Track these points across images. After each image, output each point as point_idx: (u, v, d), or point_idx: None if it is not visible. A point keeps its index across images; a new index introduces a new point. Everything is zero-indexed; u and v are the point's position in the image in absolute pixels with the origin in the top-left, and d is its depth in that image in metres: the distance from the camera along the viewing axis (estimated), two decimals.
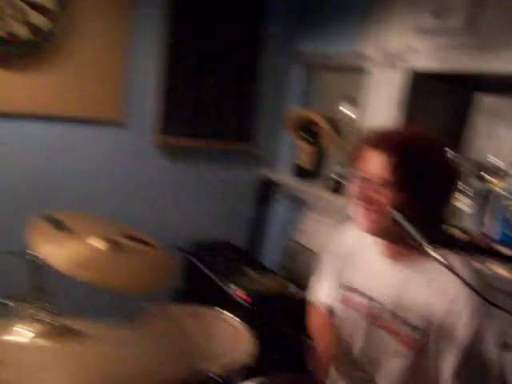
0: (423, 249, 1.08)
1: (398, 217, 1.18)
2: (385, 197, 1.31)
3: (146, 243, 1.83)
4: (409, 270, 1.40)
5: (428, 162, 1.29)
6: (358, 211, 1.39)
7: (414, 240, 1.12)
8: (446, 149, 2.20)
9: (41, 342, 1.21)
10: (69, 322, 1.28)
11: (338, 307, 1.59)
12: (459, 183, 2.27)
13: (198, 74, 2.94)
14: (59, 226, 1.75)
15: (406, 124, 1.45)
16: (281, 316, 1.82)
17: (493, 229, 2.18)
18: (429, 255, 1.07)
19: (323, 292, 1.74)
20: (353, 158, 1.43)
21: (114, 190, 2.91)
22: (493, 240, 2.12)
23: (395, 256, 1.44)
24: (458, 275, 1.04)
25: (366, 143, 1.39)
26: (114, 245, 1.73)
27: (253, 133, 3.21)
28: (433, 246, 1.08)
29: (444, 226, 1.50)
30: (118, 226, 1.87)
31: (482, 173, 2.22)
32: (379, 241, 1.46)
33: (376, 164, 1.33)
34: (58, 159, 2.75)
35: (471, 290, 1.08)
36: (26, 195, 2.67)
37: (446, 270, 1.05)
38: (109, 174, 2.89)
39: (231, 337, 1.95)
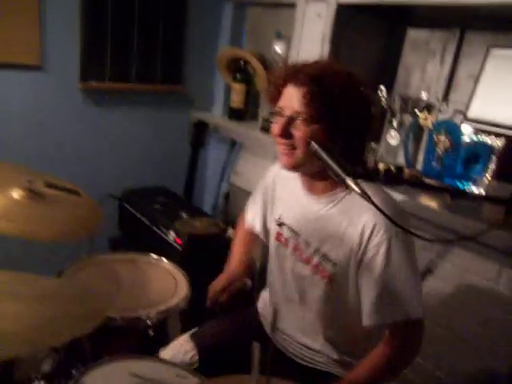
0: (342, 181, 1.07)
1: (317, 149, 1.17)
2: (300, 130, 1.31)
3: (70, 191, 1.76)
4: (329, 204, 1.41)
5: (340, 93, 1.27)
6: (278, 148, 1.38)
7: (333, 172, 1.11)
8: (380, 85, 2.25)
9: None
10: None
11: (274, 243, 1.61)
12: (391, 119, 2.30)
13: (124, 16, 2.78)
14: None
15: (331, 59, 1.43)
16: (214, 256, 1.81)
17: (421, 162, 2.24)
18: (348, 188, 1.06)
19: (252, 214, 1.77)
20: (270, 95, 1.41)
21: (39, 138, 2.77)
22: (420, 173, 2.18)
23: (316, 191, 1.44)
24: (376, 206, 1.04)
25: (279, 79, 1.37)
26: (36, 195, 1.65)
27: (184, 75, 3.11)
28: (353, 179, 1.07)
29: (367, 160, 1.50)
30: (40, 175, 1.79)
31: (413, 108, 2.25)
32: (300, 176, 1.47)
33: (290, 98, 1.32)
34: None
35: (388, 220, 1.08)
36: None
37: (364, 203, 1.05)
38: (32, 122, 2.73)
39: (167, 282, 1.93)
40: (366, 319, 1.36)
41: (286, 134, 1.32)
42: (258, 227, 1.74)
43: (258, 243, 1.81)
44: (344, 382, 1.40)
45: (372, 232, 1.31)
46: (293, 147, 1.33)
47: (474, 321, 1.88)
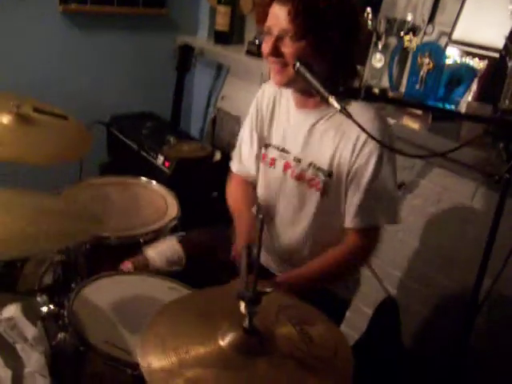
0: (324, 99, 1.12)
1: (302, 68, 1.20)
2: (288, 47, 1.35)
3: (57, 116, 1.78)
4: (322, 118, 1.47)
5: (325, 8, 1.30)
6: (269, 67, 1.43)
7: (316, 90, 1.15)
8: (367, 8, 2.22)
9: None
10: None
11: (261, 167, 1.66)
12: (377, 41, 2.29)
13: None
14: None
15: None
16: (202, 179, 1.87)
17: (405, 85, 2.26)
18: (329, 105, 1.11)
19: (242, 157, 1.77)
20: (258, 16, 1.44)
21: (21, 65, 2.73)
22: (404, 95, 2.22)
23: (306, 106, 1.50)
24: (357, 123, 1.09)
25: None
26: (25, 119, 1.68)
27: None
28: (339, 97, 1.12)
29: (353, 81, 1.54)
30: (27, 100, 1.80)
31: (398, 30, 2.25)
32: (292, 93, 1.51)
33: (276, 17, 1.35)
34: None
35: (370, 137, 1.15)
36: None
37: (357, 117, 1.11)
38: (12, 47, 2.68)
39: (158, 203, 2.00)
40: (351, 221, 1.47)
41: (275, 52, 1.37)
42: (252, 165, 1.72)
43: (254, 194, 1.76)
44: (294, 274, 1.52)
45: (365, 142, 1.39)
46: (284, 64, 1.37)
47: (450, 236, 1.99)
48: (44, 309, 1.28)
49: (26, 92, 1.93)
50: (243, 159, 1.76)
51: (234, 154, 1.79)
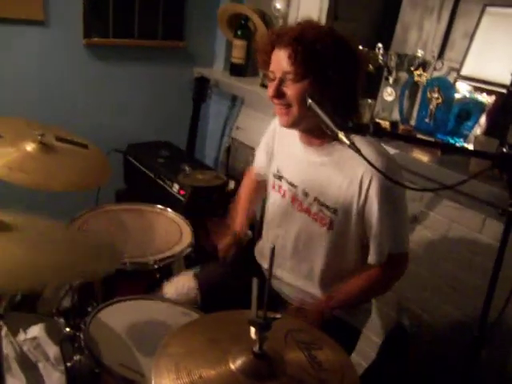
0: (334, 134, 1.17)
1: (311, 103, 1.26)
2: (290, 89, 1.42)
3: (79, 145, 1.85)
4: (327, 155, 1.52)
5: (322, 47, 1.36)
6: (276, 109, 1.50)
7: (326, 126, 1.20)
8: (378, 44, 2.29)
9: None
10: None
11: (272, 194, 1.72)
12: (388, 76, 2.36)
13: None
14: None
15: (311, 19, 1.51)
16: (216, 208, 1.92)
17: (415, 118, 2.31)
18: (340, 141, 1.16)
19: (258, 163, 1.89)
20: (261, 61, 1.52)
21: (43, 94, 2.83)
22: (413, 128, 2.27)
23: (312, 143, 1.55)
24: (364, 158, 1.14)
25: (267, 45, 1.47)
26: (47, 147, 1.74)
27: (185, 31, 3.15)
28: (347, 133, 1.17)
29: (361, 115, 1.59)
30: (50, 129, 1.87)
31: (409, 65, 2.31)
32: (299, 132, 1.57)
33: (278, 61, 1.43)
34: None
35: (378, 171, 1.21)
36: None
37: (356, 154, 1.15)
38: (37, 78, 2.79)
39: (172, 230, 2.05)
40: (373, 258, 1.52)
41: (279, 94, 1.44)
42: (264, 171, 1.84)
43: (262, 193, 1.91)
44: (334, 298, 1.58)
45: (370, 181, 1.43)
46: (288, 105, 1.44)
47: (459, 267, 2.01)
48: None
49: (50, 120, 2.01)
50: (258, 163, 1.89)
51: (255, 154, 1.92)
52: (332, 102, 1.35)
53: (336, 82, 1.39)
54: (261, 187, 1.89)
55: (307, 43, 1.36)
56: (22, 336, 1.20)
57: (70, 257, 1.21)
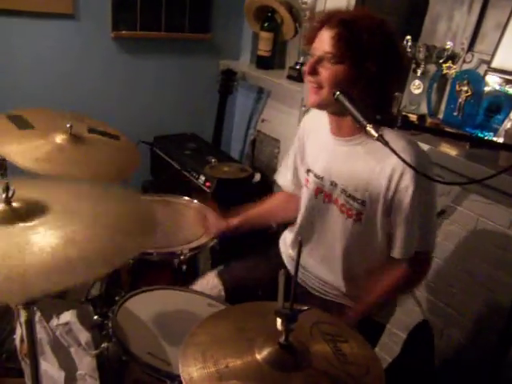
0: (362, 127, 1.16)
1: (339, 96, 1.26)
2: (325, 69, 1.41)
3: (110, 136, 1.88)
4: (357, 145, 1.51)
5: (369, 37, 1.36)
6: (308, 86, 1.49)
7: (354, 118, 1.20)
8: (406, 36, 2.27)
9: None
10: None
11: (303, 191, 1.72)
12: (416, 68, 2.33)
13: None
14: (21, 123, 1.77)
15: (367, 8, 1.51)
16: (242, 200, 1.93)
17: (443, 111, 2.28)
18: (368, 134, 1.16)
19: (283, 176, 1.88)
20: (307, 38, 1.51)
21: (72, 87, 2.88)
22: (441, 121, 2.24)
23: (344, 133, 1.54)
24: (394, 152, 1.13)
25: (317, 22, 1.46)
26: (77, 139, 1.77)
27: (212, 23, 3.17)
28: (376, 125, 1.16)
29: (393, 109, 1.58)
30: (81, 119, 1.90)
31: (438, 58, 2.28)
32: (329, 119, 1.56)
33: (322, 40, 1.42)
34: (14, 55, 2.67)
35: (408, 166, 1.20)
36: None
37: (392, 146, 1.15)
38: (66, 70, 2.84)
39: (198, 222, 2.07)
40: (398, 252, 1.51)
41: (313, 71, 1.43)
42: (288, 182, 1.86)
43: (291, 206, 1.87)
44: (364, 303, 1.59)
45: (401, 175, 1.42)
46: (319, 86, 1.44)
47: (487, 263, 1.99)
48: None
49: (81, 112, 2.04)
50: (281, 179, 1.90)
51: (279, 169, 1.93)
52: (364, 93, 1.35)
53: (372, 75, 1.38)
54: (290, 200, 1.87)
55: (354, 30, 1.36)
56: (54, 321, 1.24)
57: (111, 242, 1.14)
